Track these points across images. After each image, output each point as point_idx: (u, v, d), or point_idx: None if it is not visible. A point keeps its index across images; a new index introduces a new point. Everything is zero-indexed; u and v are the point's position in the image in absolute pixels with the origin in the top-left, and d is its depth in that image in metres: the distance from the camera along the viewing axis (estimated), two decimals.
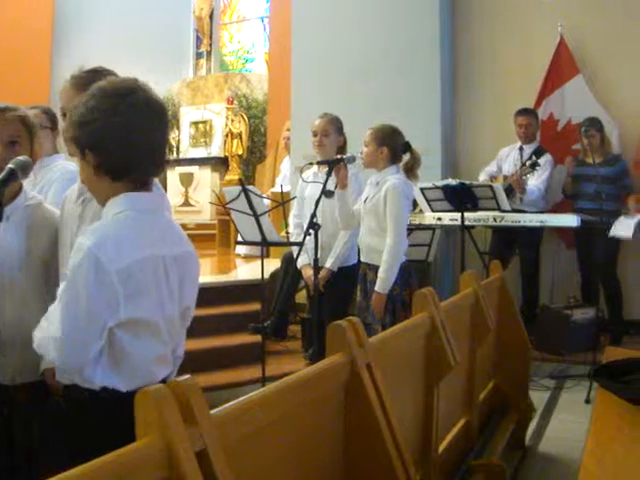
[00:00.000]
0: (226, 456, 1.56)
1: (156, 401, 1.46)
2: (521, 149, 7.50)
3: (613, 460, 3.14)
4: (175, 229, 2.33)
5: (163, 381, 2.19)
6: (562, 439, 4.91)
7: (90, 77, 2.66)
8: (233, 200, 4.96)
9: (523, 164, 7.19)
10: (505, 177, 7.23)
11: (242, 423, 1.72)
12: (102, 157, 2.14)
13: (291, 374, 2.02)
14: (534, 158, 7.04)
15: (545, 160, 7.22)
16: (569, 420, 5.26)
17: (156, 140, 2.21)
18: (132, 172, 2.17)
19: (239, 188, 4.88)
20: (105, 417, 2.11)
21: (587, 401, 5.43)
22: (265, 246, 5.20)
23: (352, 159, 4.65)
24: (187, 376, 1.58)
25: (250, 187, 5.04)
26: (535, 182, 7.14)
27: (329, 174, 4.51)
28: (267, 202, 5.72)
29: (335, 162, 4.56)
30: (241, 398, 1.77)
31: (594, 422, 3.72)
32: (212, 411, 1.60)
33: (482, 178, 7.40)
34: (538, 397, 5.69)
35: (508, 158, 7.58)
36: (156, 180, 2.39)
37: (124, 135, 2.11)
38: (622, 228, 6.85)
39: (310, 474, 2.10)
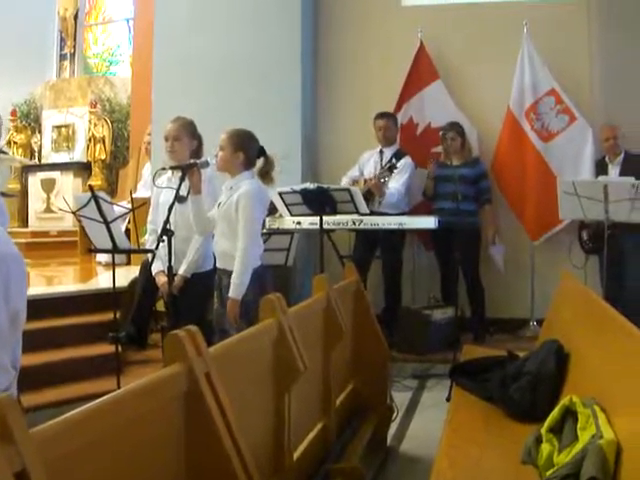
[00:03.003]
0: (50, 476, 1.48)
1: None
2: (381, 152, 7.60)
3: (466, 460, 3.19)
4: None
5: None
6: (423, 438, 4.99)
7: None
8: (83, 207, 4.83)
9: (383, 167, 7.28)
10: (366, 180, 7.29)
11: (68, 440, 1.63)
12: None
13: None
14: (394, 161, 7.14)
15: (404, 162, 7.34)
16: (430, 419, 5.34)
17: None
18: None
19: (89, 195, 4.75)
20: None
21: (448, 399, 5.51)
22: (116, 254, 5.07)
23: (205, 164, 4.60)
24: (4, 393, 1.50)
25: (100, 194, 4.91)
26: (395, 184, 7.24)
27: (182, 179, 4.45)
28: (119, 209, 5.58)
29: (188, 167, 4.51)
30: (67, 414, 1.69)
31: (449, 422, 3.79)
32: (33, 429, 1.51)
33: (344, 182, 7.45)
34: (401, 397, 5.77)
35: (369, 162, 7.66)
36: None
37: None
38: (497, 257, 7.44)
39: None
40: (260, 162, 4.74)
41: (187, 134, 5.22)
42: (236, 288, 4.46)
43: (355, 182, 7.41)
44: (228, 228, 4.56)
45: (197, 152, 5.27)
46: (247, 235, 4.47)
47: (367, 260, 7.23)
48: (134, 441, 1.92)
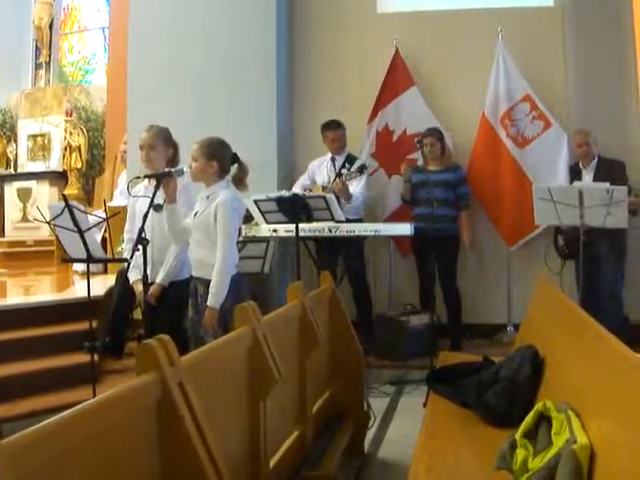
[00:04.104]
0: None
1: None
2: (333, 159, 7.59)
3: (442, 465, 3.19)
4: None
5: None
6: (400, 444, 4.99)
7: None
8: (57, 216, 4.79)
9: (338, 173, 7.27)
10: (324, 187, 7.25)
11: (40, 450, 1.62)
12: None
13: None
14: (347, 166, 7.12)
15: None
16: (407, 425, 5.33)
17: None
18: None
19: (62, 204, 4.72)
20: None
21: (425, 405, 5.52)
22: (91, 263, 5.03)
23: (181, 172, 4.58)
24: None
25: (73, 203, 4.87)
26: (357, 188, 7.24)
27: (157, 188, 4.43)
28: (93, 219, 5.54)
29: (163, 176, 4.48)
30: (39, 424, 1.67)
31: (425, 427, 3.79)
32: (5, 440, 1.50)
33: (296, 190, 7.33)
34: (378, 404, 5.77)
35: (321, 169, 7.64)
36: None
37: None
38: None
39: None
40: (234, 168, 4.73)
41: (162, 142, 5.17)
42: (214, 297, 4.45)
43: (308, 190, 7.36)
44: (205, 237, 4.55)
45: (173, 160, 5.24)
46: (225, 245, 4.47)
47: (333, 268, 7.17)
48: (107, 451, 1.91)
